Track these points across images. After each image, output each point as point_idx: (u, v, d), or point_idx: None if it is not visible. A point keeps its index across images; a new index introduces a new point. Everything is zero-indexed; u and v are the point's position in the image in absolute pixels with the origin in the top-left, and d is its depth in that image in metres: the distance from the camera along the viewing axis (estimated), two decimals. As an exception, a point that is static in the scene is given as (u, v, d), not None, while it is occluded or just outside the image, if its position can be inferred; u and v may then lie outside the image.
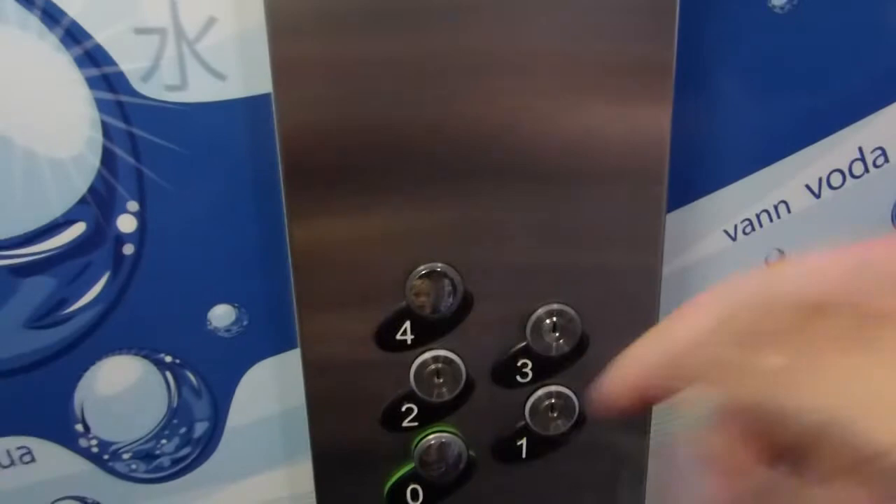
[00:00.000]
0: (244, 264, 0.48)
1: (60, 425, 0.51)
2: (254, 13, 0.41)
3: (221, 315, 0.49)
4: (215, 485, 0.54)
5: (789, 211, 0.51)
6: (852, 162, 0.50)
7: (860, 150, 0.49)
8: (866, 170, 0.50)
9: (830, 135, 0.49)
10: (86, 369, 0.50)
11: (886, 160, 0.49)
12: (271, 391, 0.51)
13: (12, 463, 0.52)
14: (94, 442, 0.52)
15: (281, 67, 0.41)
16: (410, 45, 0.42)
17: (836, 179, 0.50)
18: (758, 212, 0.50)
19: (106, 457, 0.52)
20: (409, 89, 0.42)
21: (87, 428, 0.52)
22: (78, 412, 0.51)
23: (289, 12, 0.40)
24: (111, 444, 0.52)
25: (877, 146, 0.49)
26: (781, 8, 0.45)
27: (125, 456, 0.52)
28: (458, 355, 0.47)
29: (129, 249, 0.47)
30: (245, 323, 0.50)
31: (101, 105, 0.44)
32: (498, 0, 0.41)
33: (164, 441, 0.52)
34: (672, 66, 0.42)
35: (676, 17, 0.41)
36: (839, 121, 0.49)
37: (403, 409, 0.48)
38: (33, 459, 0.52)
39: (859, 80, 0.48)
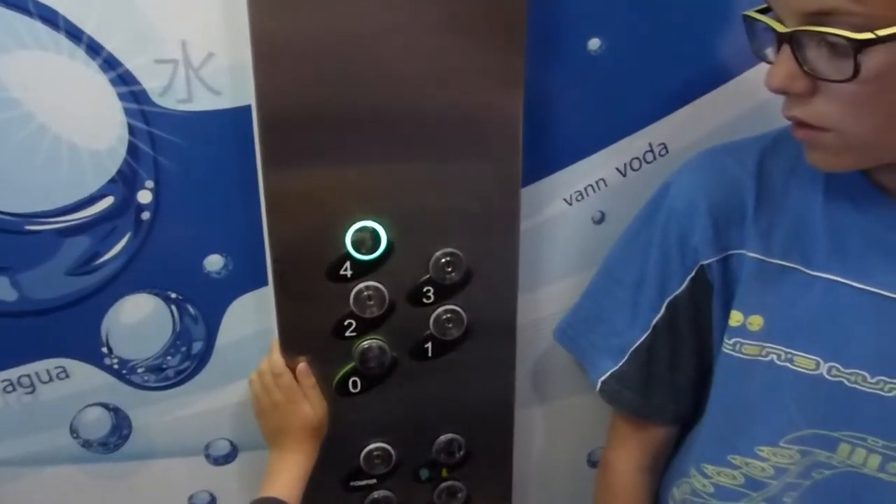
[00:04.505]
0: (231, 226, 0.67)
1: (90, 348, 0.69)
2: (241, 51, 0.60)
3: (213, 262, 0.68)
4: (209, 389, 0.73)
5: (606, 185, 0.74)
6: (645, 153, 0.73)
7: (650, 144, 0.73)
8: (654, 158, 0.74)
9: (631, 134, 0.72)
10: (111, 305, 0.68)
11: (667, 151, 0.74)
12: (250, 318, 0.71)
13: (51, 379, 0.69)
14: (115, 360, 0.70)
15: (259, 54, 0.58)
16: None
17: (636, 164, 0.73)
18: (585, 185, 0.73)
19: (124, 371, 0.70)
20: (354, 76, 0.60)
21: (110, 349, 0.69)
22: (104, 338, 0.69)
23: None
24: (129, 361, 0.70)
25: (661, 142, 0.73)
26: (596, 51, 0.68)
27: (140, 370, 0.71)
28: (383, 285, 0.67)
29: (146, 216, 0.66)
30: (231, 267, 0.69)
31: (129, 112, 0.62)
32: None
33: (169, 357, 0.71)
34: (520, 108, 0.64)
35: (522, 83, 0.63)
36: (636, 125, 0.72)
37: (346, 323, 0.68)
38: (67, 376, 0.69)
39: (647, 98, 0.72)
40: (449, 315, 0.70)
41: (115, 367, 0.70)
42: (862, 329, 0.56)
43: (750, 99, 0.72)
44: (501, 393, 0.75)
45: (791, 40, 0.48)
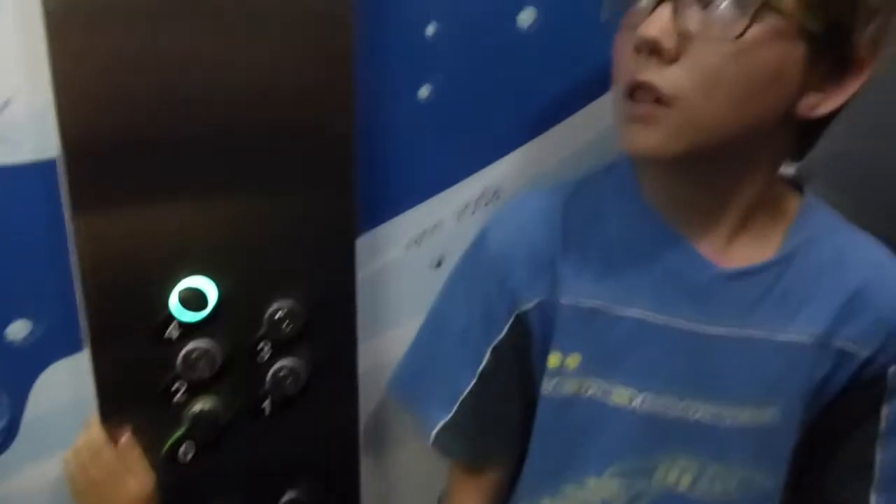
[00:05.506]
0: (37, 288, 0.61)
1: None
2: (42, 96, 0.55)
3: (17, 329, 0.61)
4: (16, 470, 0.65)
5: (443, 230, 0.75)
6: (479, 197, 0.75)
7: (484, 188, 0.75)
8: (489, 201, 0.75)
9: (465, 179, 0.74)
10: None
11: (501, 195, 0.76)
12: (63, 387, 0.64)
13: None
14: None
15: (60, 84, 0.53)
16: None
17: (471, 208, 0.75)
18: (422, 231, 0.74)
19: None
20: (172, 125, 0.57)
21: None
22: None
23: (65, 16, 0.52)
24: (-88, 448, 0.61)
25: (494, 186, 0.75)
26: (426, 99, 0.69)
27: (-74, 456, 0.62)
28: (214, 344, 0.64)
29: (-70, 283, 0.58)
30: (38, 334, 0.62)
31: None
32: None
33: (-35, 438, 0.62)
34: (351, 137, 0.63)
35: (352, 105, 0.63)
36: (470, 169, 0.74)
37: (174, 388, 0.64)
38: None
39: (479, 144, 0.73)
40: (287, 370, 0.67)
41: None
42: (667, 359, 0.61)
43: (577, 141, 0.76)
44: (346, 444, 0.73)
45: None
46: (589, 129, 0.76)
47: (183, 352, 0.63)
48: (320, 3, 0.59)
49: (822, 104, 0.54)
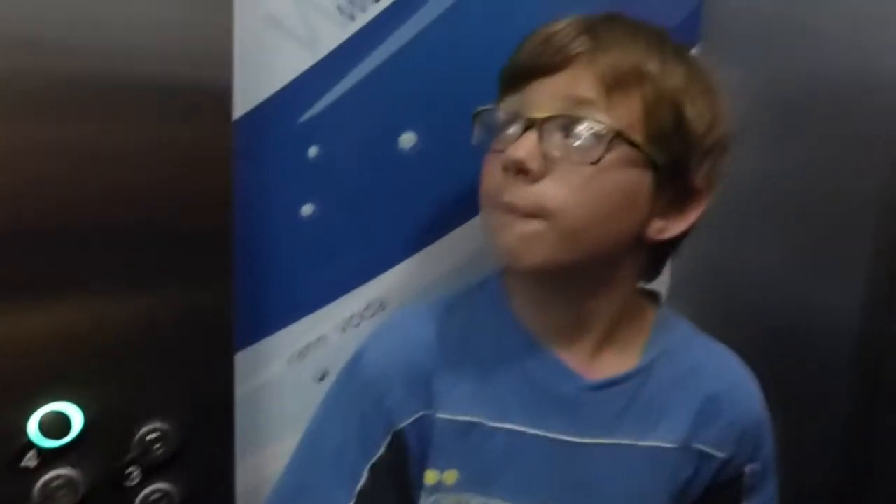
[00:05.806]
0: None
1: None
2: None
3: None
4: None
5: (327, 343, 0.75)
6: (364, 309, 0.77)
7: (368, 301, 0.77)
8: (373, 314, 0.77)
9: (349, 293, 0.75)
10: None
11: (385, 307, 0.78)
12: None
13: None
14: None
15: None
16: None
17: (355, 321, 0.76)
18: (307, 344, 0.74)
19: None
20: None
21: None
22: None
23: None
24: None
25: (378, 299, 0.77)
26: (309, 217, 0.71)
27: None
28: (77, 471, 0.60)
29: None
30: None
31: None
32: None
33: None
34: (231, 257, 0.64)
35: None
36: (353, 283, 0.76)
37: (29, 522, 0.59)
38: None
39: (362, 258, 0.76)
40: (157, 496, 0.64)
41: None
42: (542, 471, 0.63)
43: (458, 255, 0.79)
44: (221, 573, 0.70)
45: (543, 124, 0.55)
46: (468, 245, 0.80)
47: (41, 481, 0.59)
48: (200, 107, 0.59)
49: (667, 229, 0.60)
